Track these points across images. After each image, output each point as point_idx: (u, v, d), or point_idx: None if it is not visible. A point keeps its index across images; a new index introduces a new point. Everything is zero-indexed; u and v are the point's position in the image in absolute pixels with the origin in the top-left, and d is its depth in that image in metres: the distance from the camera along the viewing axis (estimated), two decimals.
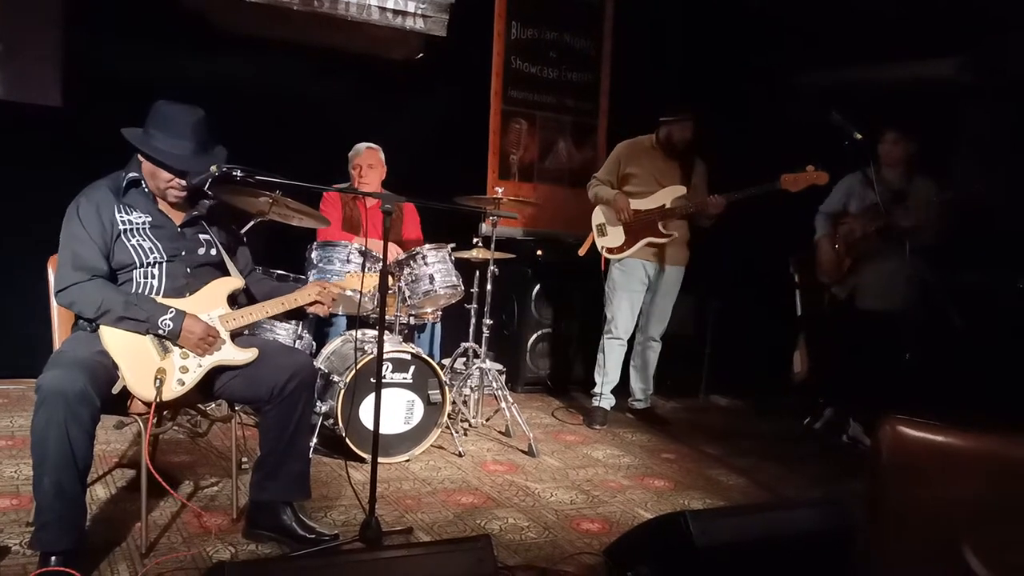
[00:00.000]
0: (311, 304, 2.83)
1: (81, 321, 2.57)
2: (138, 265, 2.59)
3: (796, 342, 4.93)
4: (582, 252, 4.74)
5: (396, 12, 5.01)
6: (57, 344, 2.69)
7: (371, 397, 3.41)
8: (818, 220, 4.65)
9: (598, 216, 4.66)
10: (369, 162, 4.25)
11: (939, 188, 4.16)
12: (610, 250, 4.61)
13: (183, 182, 2.61)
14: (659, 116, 4.55)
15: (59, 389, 2.28)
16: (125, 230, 2.58)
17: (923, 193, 4.22)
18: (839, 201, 4.56)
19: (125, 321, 2.49)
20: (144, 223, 2.62)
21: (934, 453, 2.00)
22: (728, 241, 4.77)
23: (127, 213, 2.60)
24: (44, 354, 2.57)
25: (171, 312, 2.52)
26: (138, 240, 2.60)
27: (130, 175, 2.63)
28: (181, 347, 2.55)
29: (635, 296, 4.63)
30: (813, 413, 4.86)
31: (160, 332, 2.50)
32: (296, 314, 2.94)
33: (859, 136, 4.20)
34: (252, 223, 3.61)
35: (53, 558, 2.31)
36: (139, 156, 2.62)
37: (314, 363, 3.27)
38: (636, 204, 4.50)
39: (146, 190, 2.65)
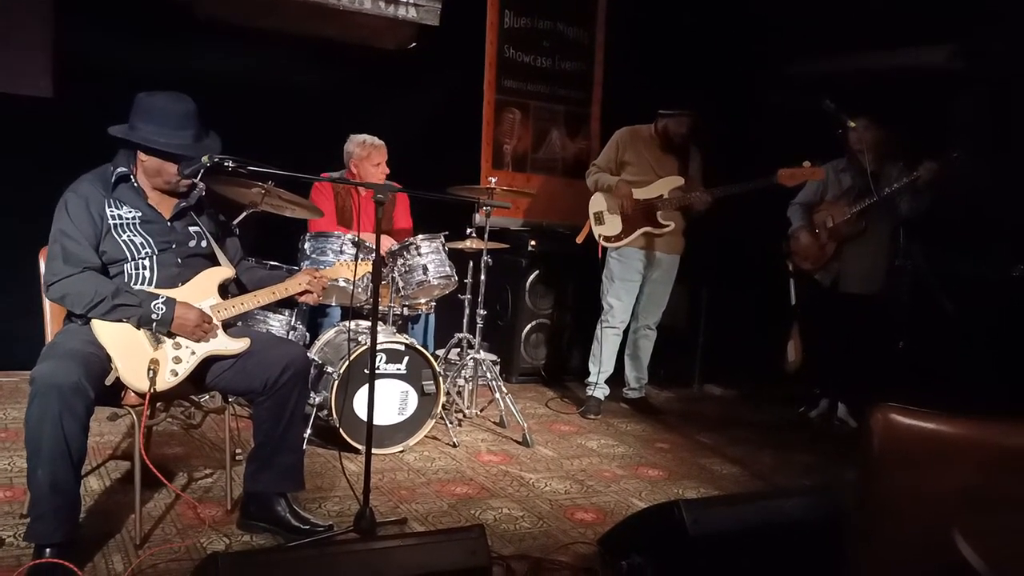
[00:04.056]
0: (301, 293, 2.83)
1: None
2: (129, 259, 2.59)
3: (790, 331, 4.94)
4: (579, 240, 4.74)
5: (388, 1, 4.99)
6: (49, 337, 2.68)
7: (365, 388, 3.40)
8: (792, 211, 4.69)
9: (596, 204, 4.65)
10: (386, 157, 4.21)
11: (910, 169, 4.18)
12: (607, 238, 4.61)
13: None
14: (658, 108, 4.55)
15: (54, 381, 2.27)
16: (115, 225, 2.58)
17: (895, 175, 4.24)
18: (815, 191, 4.59)
19: (118, 309, 2.47)
20: (134, 218, 2.61)
21: (925, 440, 2.01)
22: (720, 230, 4.78)
23: (117, 208, 2.60)
24: (36, 346, 2.57)
25: (162, 298, 2.52)
26: (129, 235, 2.59)
27: (119, 170, 2.62)
28: (175, 336, 2.54)
29: (632, 285, 4.63)
30: (807, 402, 4.89)
31: (153, 318, 2.49)
32: (288, 303, 2.93)
33: (852, 124, 4.22)
34: (244, 214, 3.60)
35: (48, 550, 2.31)
36: (139, 152, 2.60)
37: (307, 354, 3.27)
38: (635, 193, 4.50)
39: (135, 185, 2.64)
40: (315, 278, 2.84)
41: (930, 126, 4.55)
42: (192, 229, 2.74)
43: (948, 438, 2.01)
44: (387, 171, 4.21)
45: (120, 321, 2.49)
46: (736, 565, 2.38)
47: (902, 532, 1.99)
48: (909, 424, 2.00)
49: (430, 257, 3.83)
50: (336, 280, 3.33)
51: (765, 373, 5.20)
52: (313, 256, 3.69)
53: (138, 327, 2.50)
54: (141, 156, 2.61)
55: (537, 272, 5.33)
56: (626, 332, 4.75)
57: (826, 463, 4.01)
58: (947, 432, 2.01)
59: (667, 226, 4.52)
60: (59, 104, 4.33)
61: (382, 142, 4.25)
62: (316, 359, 3.66)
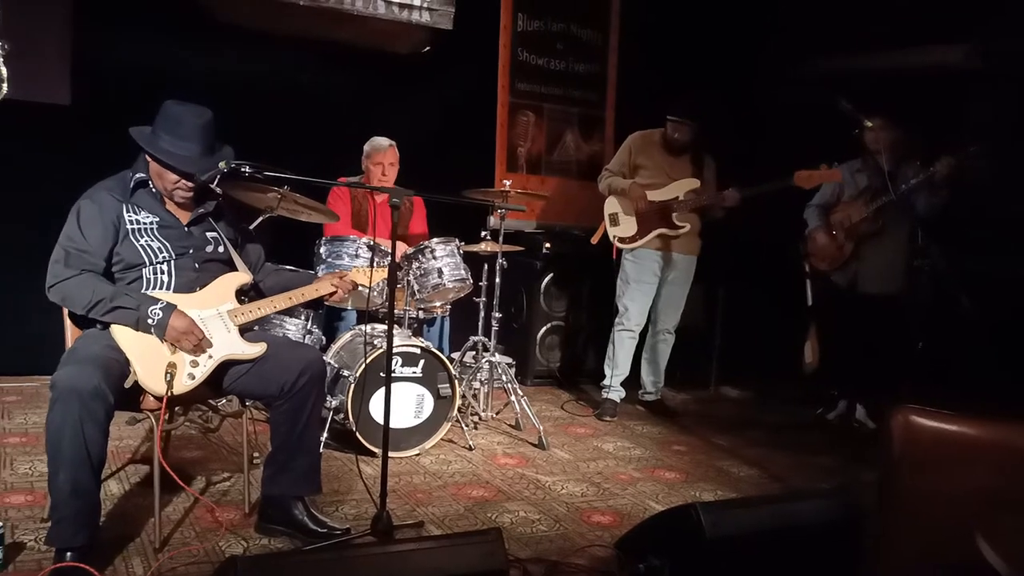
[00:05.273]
0: (331, 295, 2.84)
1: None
2: (147, 263, 2.61)
3: (807, 332, 4.92)
4: (594, 241, 4.74)
5: (402, 6, 5.01)
6: (69, 342, 2.70)
7: (381, 391, 3.41)
8: (809, 213, 4.67)
9: (610, 206, 4.65)
10: (391, 160, 4.24)
11: (927, 168, 4.14)
12: (622, 240, 4.60)
13: (190, 183, 2.62)
14: (666, 112, 4.54)
15: (73, 386, 2.29)
16: (133, 230, 2.60)
17: (912, 174, 4.21)
18: (832, 192, 4.58)
19: (116, 312, 2.48)
20: (152, 223, 2.63)
21: (946, 442, 1.99)
22: (736, 231, 4.76)
23: (135, 213, 2.62)
24: (57, 351, 2.59)
25: (161, 303, 2.52)
26: (147, 240, 2.61)
27: (137, 175, 2.65)
28: (165, 341, 2.53)
29: (647, 287, 4.62)
30: (825, 403, 4.86)
31: (149, 322, 2.49)
32: (314, 303, 2.95)
33: (869, 124, 4.19)
34: (260, 219, 3.62)
35: (68, 553, 2.33)
36: (146, 156, 2.63)
37: (324, 358, 3.28)
38: (649, 195, 4.49)
39: (153, 190, 2.66)
40: (341, 280, 2.85)
41: (947, 126, 4.52)
42: (209, 235, 2.76)
43: (969, 439, 1.99)
44: (387, 174, 4.21)
45: (119, 323, 2.50)
46: (754, 568, 2.37)
47: (922, 534, 1.98)
48: (929, 425, 1.98)
49: (445, 260, 3.83)
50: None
51: (782, 375, 5.17)
52: (329, 260, 3.71)
53: (138, 330, 2.51)
54: (147, 157, 2.63)
55: (552, 274, 5.33)
56: (643, 335, 4.74)
57: (845, 465, 3.98)
58: (967, 433, 1.99)
59: (682, 227, 4.50)
60: (77, 112, 4.37)
61: (388, 142, 4.27)
62: (332, 363, 3.67)
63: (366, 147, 4.32)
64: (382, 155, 4.24)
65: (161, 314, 2.50)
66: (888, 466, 2.02)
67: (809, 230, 4.65)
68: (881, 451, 2.03)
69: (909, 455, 1.98)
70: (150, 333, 2.52)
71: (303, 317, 3.78)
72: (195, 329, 2.54)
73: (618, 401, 4.70)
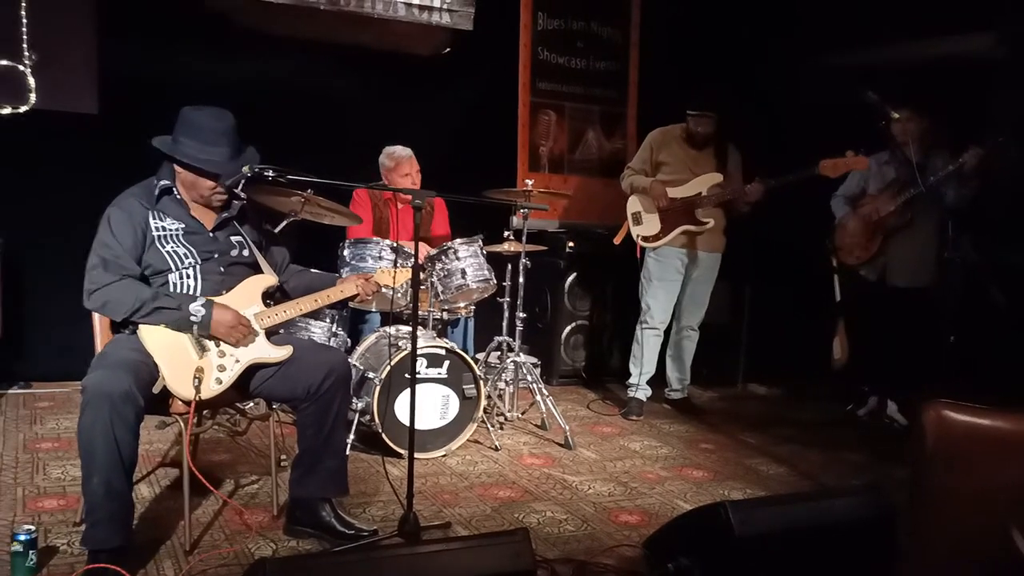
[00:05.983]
0: (355, 296, 2.85)
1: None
2: (174, 269, 2.64)
3: (835, 327, 4.86)
4: (617, 241, 4.71)
5: (422, 8, 5.02)
6: (99, 346, 2.74)
7: (406, 393, 3.42)
8: (835, 204, 4.62)
9: (633, 205, 4.62)
10: (417, 167, 4.24)
11: (956, 158, 4.07)
12: (645, 239, 4.57)
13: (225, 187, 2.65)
14: (686, 107, 4.51)
15: (104, 390, 2.32)
16: (159, 236, 2.63)
17: (941, 165, 4.14)
18: (857, 184, 4.53)
19: (159, 312, 2.51)
20: (178, 230, 2.66)
21: (979, 437, 1.96)
22: (763, 226, 4.71)
23: (160, 219, 2.65)
24: (87, 357, 2.62)
25: (201, 300, 2.56)
26: (172, 246, 2.64)
27: (162, 183, 2.67)
28: (214, 338, 2.56)
29: (671, 285, 4.59)
30: (856, 399, 4.80)
31: (192, 320, 2.52)
32: (337, 305, 2.96)
33: (896, 115, 4.13)
34: (285, 223, 3.64)
35: (102, 555, 2.36)
36: (175, 165, 2.65)
37: (349, 360, 3.29)
38: (672, 192, 4.46)
39: (178, 197, 2.69)
40: (366, 281, 2.86)
41: (975, 115, 4.44)
42: (234, 238, 2.78)
43: (1002, 434, 1.96)
44: (417, 181, 4.21)
45: (161, 325, 2.52)
46: (784, 566, 2.35)
47: (955, 530, 1.95)
48: (962, 420, 1.95)
49: (468, 261, 3.83)
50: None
51: (810, 371, 5.12)
52: (352, 262, 3.72)
53: (179, 330, 2.54)
54: (177, 168, 2.66)
55: (575, 273, 5.31)
56: (668, 333, 4.71)
57: (876, 462, 3.94)
58: (1001, 428, 1.96)
59: (706, 223, 4.47)
60: (105, 120, 4.42)
61: (410, 152, 4.26)
62: (358, 365, 3.68)
63: (387, 161, 4.27)
64: (408, 164, 4.23)
65: (204, 311, 2.54)
66: (920, 462, 2.00)
67: (839, 219, 4.59)
68: (913, 447, 2.00)
69: (942, 450, 1.95)
70: (191, 332, 2.54)
71: (328, 320, 3.80)
72: (241, 319, 2.58)
73: (644, 400, 4.67)
